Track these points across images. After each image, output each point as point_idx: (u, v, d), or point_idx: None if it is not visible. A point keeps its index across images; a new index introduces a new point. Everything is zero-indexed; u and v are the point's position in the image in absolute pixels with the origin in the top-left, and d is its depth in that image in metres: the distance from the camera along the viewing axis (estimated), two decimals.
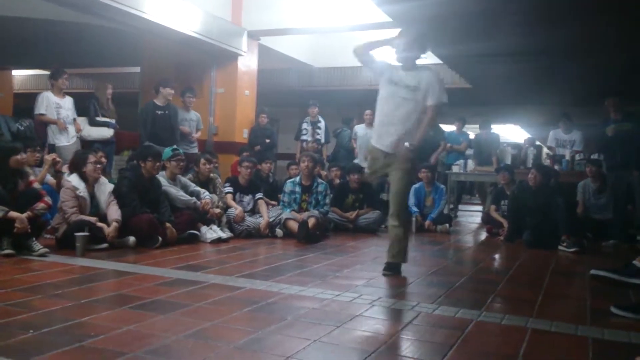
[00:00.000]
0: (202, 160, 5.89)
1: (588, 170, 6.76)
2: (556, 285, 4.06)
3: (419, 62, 4.09)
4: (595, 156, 9.01)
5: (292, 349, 2.30)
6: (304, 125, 8.65)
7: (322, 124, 8.68)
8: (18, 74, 13.78)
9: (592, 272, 3.33)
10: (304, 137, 8.61)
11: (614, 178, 6.26)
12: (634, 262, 3.32)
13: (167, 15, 6.89)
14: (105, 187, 4.85)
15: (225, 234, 5.38)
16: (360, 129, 8.44)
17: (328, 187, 6.46)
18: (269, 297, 3.20)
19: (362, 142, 8.34)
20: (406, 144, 3.90)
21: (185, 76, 8.49)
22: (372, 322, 2.82)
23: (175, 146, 5.91)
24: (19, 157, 4.35)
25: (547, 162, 8.41)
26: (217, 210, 5.55)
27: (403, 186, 4.02)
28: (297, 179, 6.35)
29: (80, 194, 4.66)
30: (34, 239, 4.22)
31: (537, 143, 10.67)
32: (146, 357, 2.15)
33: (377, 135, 4.09)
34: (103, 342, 2.30)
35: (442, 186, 7.41)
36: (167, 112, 7.06)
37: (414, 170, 4.19)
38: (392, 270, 4.02)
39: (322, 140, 8.70)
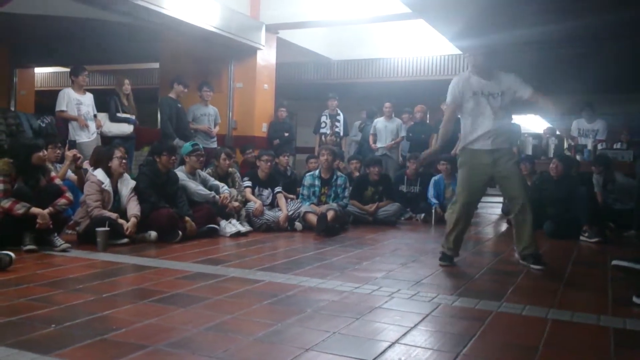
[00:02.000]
0: (223, 156, 5.93)
1: (594, 168, 6.68)
2: (577, 275, 4.02)
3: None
4: (617, 145, 8.87)
5: (312, 341, 2.31)
6: (323, 119, 8.63)
7: (340, 117, 8.66)
8: (39, 71, 13.97)
9: (614, 262, 3.28)
10: (323, 130, 8.59)
11: (639, 167, 6.14)
12: None
13: (185, 11, 6.92)
14: (128, 183, 4.92)
15: (244, 228, 5.41)
16: (379, 122, 8.41)
17: (347, 180, 6.45)
18: (289, 289, 3.21)
19: (382, 135, 8.34)
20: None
21: (204, 71, 8.53)
22: (392, 313, 2.81)
23: (195, 141, 5.97)
24: (40, 153, 4.41)
25: (568, 152, 8.30)
26: (236, 204, 5.59)
27: (522, 176, 4.21)
28: (317, 172, 6.36)
29: (106, 188, 4.73)
30: (55, 234, 4.30)
31: (557, 133, 10.50)
32: (168, 350, 2.18)
33: (479, 143, 4.11)
34: (125, 336, 2.33)
35: None
36: (181, 106, 7.31)
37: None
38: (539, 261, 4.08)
39: (341, 133, 8.68)
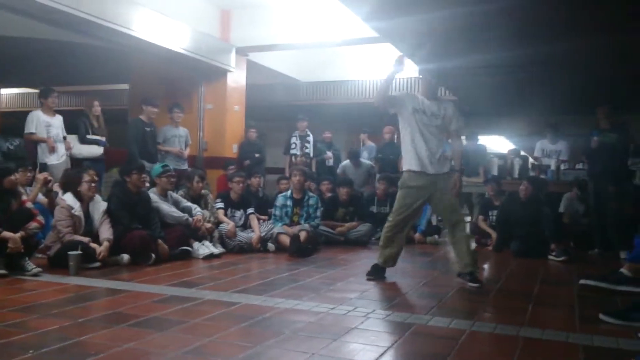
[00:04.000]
0: (196, 178, 5.91)
1: (573, 194, 6.91)
2: (545, 294, 4.13)
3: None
4: (579, 166, 9.16)
5: None
6: (293, 139, 8.70)
7: (310, 138, 8.74)
8: (5, 92, 13.71)
9: (582, 281, 3.41)
10: (293, 151, 8.65)
11: (593, 187, 6.35)
12: (622, 270, 3.42)
13: (155, 33, 6.93)
14: (99, 206, 4.88)
15: (217, 250, 5.41)
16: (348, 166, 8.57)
17: (319, 200, 6.51)
18: (265, 311, 3.23)
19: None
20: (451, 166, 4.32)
21: (174, 93, 8.52)
22: (368, 334, 2.86)
23: (165, 162, 5.95)
24: (12, 177, 4.36)
25: (532, 172, 8.52)
26: (209, 225, 5.58)
27: (456, 201, 4.33)
28: (289, 192, 6.41)
29: (76, 213, 4.67)
30: (27, 258, 4.23)
31: (522, 153, 10.79)
32: None
33: (419, 163, 4.26)
34: None
35: None
36: (152, 129, 7.24)
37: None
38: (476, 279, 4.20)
39: (311, 154, 8.75)
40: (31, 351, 2.41)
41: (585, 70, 8.22)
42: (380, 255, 4.43)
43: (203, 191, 6.06)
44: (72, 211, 4.66)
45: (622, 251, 5.74)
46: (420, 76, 4.89)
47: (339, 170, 8.65)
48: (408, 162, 4.31)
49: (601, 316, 3.22)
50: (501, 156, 9.45)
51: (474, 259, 4.23)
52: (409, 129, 4.28)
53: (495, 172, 8.37)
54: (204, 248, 5.30)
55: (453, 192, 4.25)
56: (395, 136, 9.15)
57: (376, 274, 4.39)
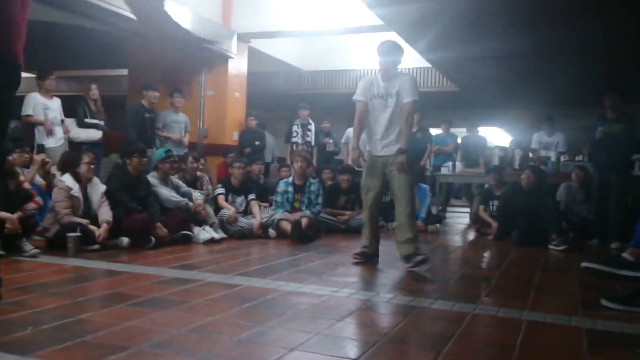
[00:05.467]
0: (190, 159, 5.92)
1: (574, 175, 6.84)
2: (547, 280, 4.13)
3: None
4: (579, 158, 9.15)
5: (295, 341, 2.32)
6: (294, 128, 8.66)
7: (312, 127, 8.70)
8: None
9: (583, 264, 3.39)
10: (295, 140, 8.62)
11: (597, 178, 6.33)
12: (624, 254, 3.40)
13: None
14: (98, 188, 4.83)
15: (218, 235, 5.38)
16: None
17: (320, 186, 6.48)
18: (267, 293, 3.21)
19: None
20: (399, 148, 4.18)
21: (175, 79, 8.46)
22: (372, 316, 2.84)
23: (169, 148, 5.93)
24: (9, 158, 4.31)
25: (531, 163, 8.51)
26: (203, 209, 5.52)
27: (408, 185, 4.21)
28: (290, 179, 6.38)
29: (75, 194, 4.63)
30: (24, 239, 4.19)
31: (523, 146, 10.78)
32: (151, 351, 2.16)
33: (373, 146, 4.32)
34: (105, 338, 2.30)
35: (425, 185, 7.43)
36: (152, 115, 7.20)
37: (412, 170, 4.41)
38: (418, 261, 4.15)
39: (312, 143, 8.72)
40: (30, 328, 2.38)
41: (585, 59, 8.22)
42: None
43: (199, 174, 6.05)
44: (71, 192, 4.62)
45: (615, 242, 5.74)
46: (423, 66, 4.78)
47: (343, 139, 8.62)
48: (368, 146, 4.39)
49: (603, 302, 3.19)
50: (502, 148, 9.43)
51: (414, 240, 4.18)
52: (370, 113, 4.32)
53: (495, 162, 8.36)
54: (204, 233, 5.27)
55: (397, 169, 4.16)
56: None
57: (363, 258, 4.41)
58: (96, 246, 4.53)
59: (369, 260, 4.40)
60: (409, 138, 4.24)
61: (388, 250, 4.63)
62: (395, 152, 4.19)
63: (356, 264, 4.35)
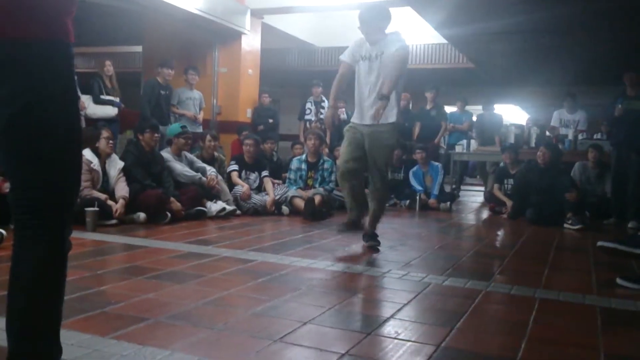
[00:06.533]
0: (208, 137, 5.94)
1: (591, 155, 6.76)
2: (561, 259, 4.13)
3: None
4: (598, 136, 9.04)
5: (309, 315, 2.35)
6: (308, 105, 8.64)
7: (325, 104, 8.65)
8: None
9: (599, 243, 3.38)
10: (308, 117, 8.60)
11: (616, 156, 6.27)
12: None
13: None
14: (116, 163, 4.90)
15: (230, 206, 5.44)
16: None
17: (334, 164, 6.48)
18: (281, 269, 3.24)
19: None
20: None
21: (188, 55, 8.45)
22: (385, 291, 2.87)
23: (184, 124, 5.96)
24: None
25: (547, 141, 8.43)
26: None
27: (389, 151, 4.06)
28: (304, 156, 6.39)
29: (94, 167, 4.70)
30: None
31: (540, 124, 10.67)
32: (168, 322, 2.20)
33: (359, 113, 4.06)
34: (124, 309, 2.35)
35: (437, 163, 7.38)
36: (167, 92, 7.25)
37: (396, 140, 4.14)
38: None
39: None
40: None
41: (607, 35, 8.05)
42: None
43: (216, 154, 6.08)
44: (91, 165, 4.68)
45: (633, 221, 5.71)
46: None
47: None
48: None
49: (618, 280, 3.20)
50: (519, 126, 9.35)
51: (359, 211, 4.07)
52: (357, 78, 4.06)
53: (511, 141, 8.29)
54: (216, 205, 5.33)
55: (371, 116, 3.82)
56: (411, 103, 9.08)
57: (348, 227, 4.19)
58: (113, 221, 4.60)
59: (350, 228, 4.13)
60: (395, 86, 3.81)
61: (400, 227, 4.67)
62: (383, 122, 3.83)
63: (340, 232, 4.24)
